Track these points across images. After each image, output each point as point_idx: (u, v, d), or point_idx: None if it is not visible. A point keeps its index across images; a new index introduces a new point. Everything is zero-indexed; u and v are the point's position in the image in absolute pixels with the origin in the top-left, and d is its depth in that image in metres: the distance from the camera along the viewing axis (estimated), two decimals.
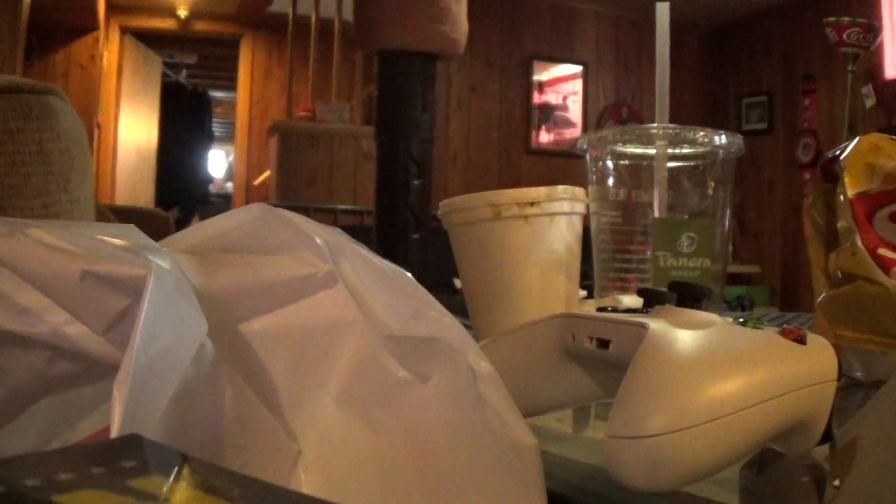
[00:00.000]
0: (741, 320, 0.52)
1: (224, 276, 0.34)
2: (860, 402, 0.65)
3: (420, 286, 0.37)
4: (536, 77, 7.62)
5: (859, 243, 0.72)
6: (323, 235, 0.35)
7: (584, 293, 1.04)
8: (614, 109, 7.83)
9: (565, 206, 0.92)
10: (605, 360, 0.54)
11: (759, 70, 7.72)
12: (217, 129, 10.00)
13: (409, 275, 0.37)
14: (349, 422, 0.35)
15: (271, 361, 0.35)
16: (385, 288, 0.36)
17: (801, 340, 0.48)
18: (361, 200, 5.76)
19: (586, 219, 0.97)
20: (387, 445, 0.35)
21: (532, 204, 0.90)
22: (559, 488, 0.48)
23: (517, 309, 0.91)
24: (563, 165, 7.32)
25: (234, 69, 8.32)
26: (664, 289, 0.55)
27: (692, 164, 0.96)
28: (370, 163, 4.50)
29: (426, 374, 0.35)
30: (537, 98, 7.62)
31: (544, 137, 7.64)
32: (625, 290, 0.95)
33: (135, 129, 7.96)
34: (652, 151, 0.96)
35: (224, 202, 9.85)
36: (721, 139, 0.94)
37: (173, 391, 0.29)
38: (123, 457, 0.22)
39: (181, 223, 6.63)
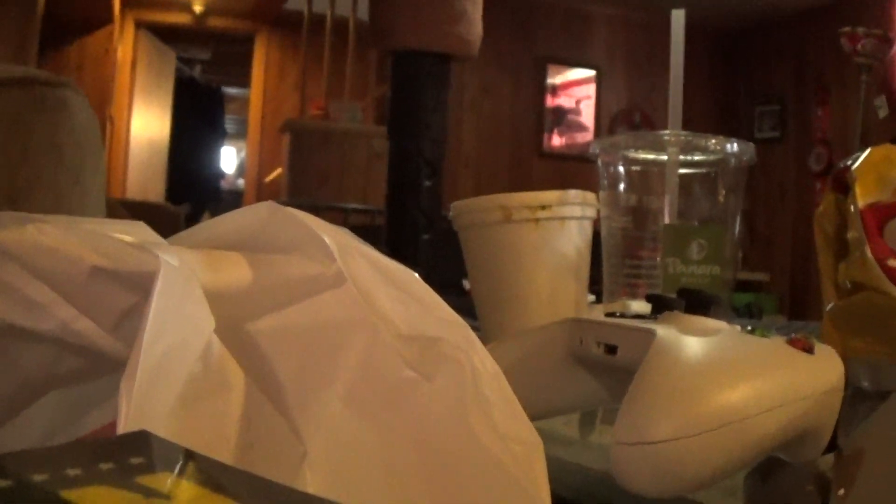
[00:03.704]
0: (749, 328, 0.52)
1: (232, 274, 0.34)
2: (866, 412, 0.65)
3: (427, 286, 0.37)
4: (550, 80, 7.62)
5: (869, 254, 0.72)
6: (331, 235, 0.35)
7: (593, 298, 1.04)
8: (627, 114, 7.82)
9: (576, 211, 0.92)
10: (612, 366, 0.54)
11: (771, 78, 7.72)
12: (229, 125, 10.02)
13: (416, 275, 0.37)
14: (355, 421, 0.35)
15: (278, 360, 0.35)
16: (392, 288, 0.36)
17: (809, 350, 0.48)
18: (372, 200, 5.75)
19: (597, 223, 0.97)
20: (393, 445, 0.35)
21: (543, 207, 0.90)
22: (566, 493, 0.48)
23: (526, 312, 0.91)
24: (574, 169, 7.31)
25: (248, 66, 8.33)
26: (673, 295, 0.55)
27: (704, 171, 0.96)
28: (382, 163, 4.51)
29: (431, 374, 0.35)
30: (550, 101, 7.62)
31: (556, 141, 7.64)
32: (634, 296, 0.95)
33: (147, 124, 7.97)
34: (664, 158, 0.96)
35: (235, 198, 9.86)
36: (733, 147, 0.94)
37: (180, 388, 0.30)
38: (131, 453, 0.22)
39: (192, 218, 6.64)
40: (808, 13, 7.17)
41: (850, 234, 0.76)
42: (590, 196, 0.94)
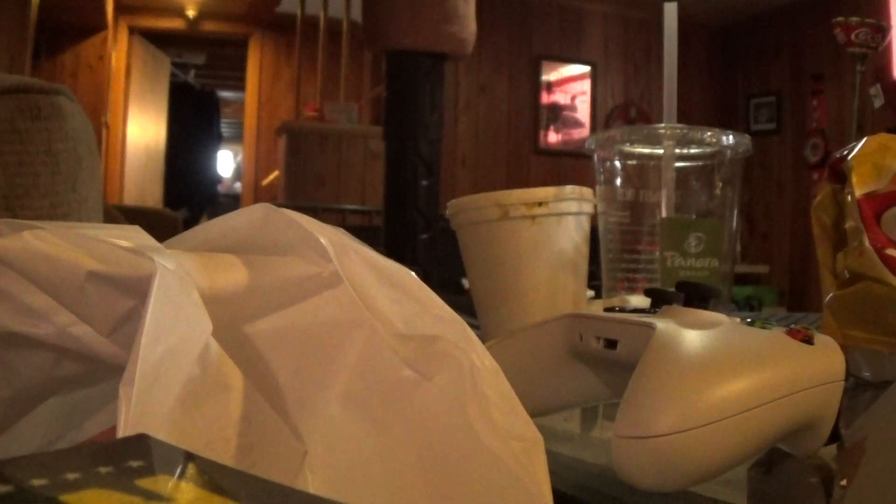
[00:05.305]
0: (749, 320, 0.52)
1: (228, 277, 0.34)
2: (868, 402, 0.65)
3: (423, 285, 0.37)
4: (545, 77, 7.61)
5: (867, 243, 0.72)
6: (327, 235, 0.35)
7: (591, 293, 1.04)
8: (623, 109, 7.82)
9: (573, 207, 0.92)
10: (612, 361, 0.54)
11: (767, 70, 7.71)
12: (225, 129, 10.03)
13: (413, 273, 0.37)
14: (355, 421, 0.35)
15: (276, 362, 0.35)
16: (389, 287, 0.36)
17: (809, 341, 0.48)
18: (370, 201, 5.76)
19: (594, 219, 0.97)
20: (392, 444, 0.35)
21: (540, 204, 0.90)
22: (567, 488, 0.48)
23: (525, 309, 0.91)
24: (571, 165, 7.31)
25: (243, 69, 8.34)
26: (672, 289, 0.55)
27: (700, 164, 0.96)
28: (378, 163, 4.51)
29: (430, 373, 0.35)
30: (546, 98, 7.62)
31: (553, 137, 7.63)
32: (633, 291, 0.95)
33: (143, 130, 7.97)
34: (660, 151, 0.96)
35: (232, 202, 9.86)
36: (729, 139, 0.94)
37: (179, 391, 0.30)
38: (130, 456, 0.22)
39: (190, 223, 6.64)
40: (802, 4, 7.17)
41: (848, 224, 0.76)
42: (586, 191, 0.94)
